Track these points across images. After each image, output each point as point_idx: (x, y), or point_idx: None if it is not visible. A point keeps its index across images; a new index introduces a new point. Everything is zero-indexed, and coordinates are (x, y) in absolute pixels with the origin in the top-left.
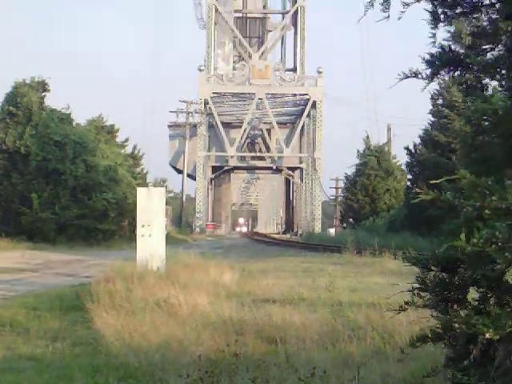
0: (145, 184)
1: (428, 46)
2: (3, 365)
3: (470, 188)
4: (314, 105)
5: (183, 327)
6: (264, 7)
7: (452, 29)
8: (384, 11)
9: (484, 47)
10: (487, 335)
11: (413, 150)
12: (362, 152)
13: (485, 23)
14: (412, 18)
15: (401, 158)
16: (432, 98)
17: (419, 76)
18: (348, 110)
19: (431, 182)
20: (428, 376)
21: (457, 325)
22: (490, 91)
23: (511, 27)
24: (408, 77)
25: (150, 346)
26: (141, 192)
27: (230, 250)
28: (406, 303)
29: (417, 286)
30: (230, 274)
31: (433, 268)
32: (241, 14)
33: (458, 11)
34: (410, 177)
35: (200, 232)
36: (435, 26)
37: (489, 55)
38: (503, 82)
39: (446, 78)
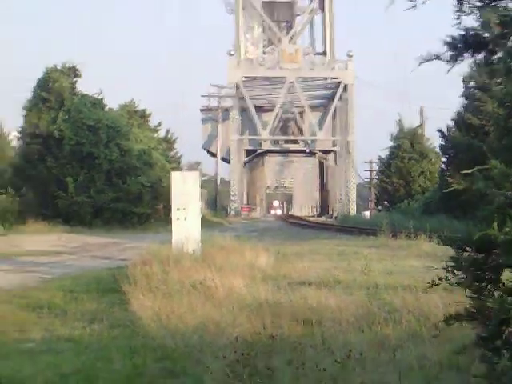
0: (179, 168)
1: (453, 28)
2: (42, 346)
3: (501, 178)
4: (345, 88)
5: (220, 309)
6: None
7: (478, 16)
8: (411, 0)
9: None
10: None
11: (446, 133)
12: (395, 135)
13: None
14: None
15: (434, 141)
16: (464, 80)
17: (441, 58)
18: (380, 93)
19: (463, 172)
20: (459, 353)
21: (490, 305)
22: None
23: None
24: (428, 60)
25: (186, 328)
26: (175, 176)
27: (265, 233)
28: (440, 279)
29: (451, 264)
30: (266, 257)
31: (467, 249)
32: None
33: None
34: (444, 159)
35: (235, 215)
36: (460, 9)
37: None
38: None
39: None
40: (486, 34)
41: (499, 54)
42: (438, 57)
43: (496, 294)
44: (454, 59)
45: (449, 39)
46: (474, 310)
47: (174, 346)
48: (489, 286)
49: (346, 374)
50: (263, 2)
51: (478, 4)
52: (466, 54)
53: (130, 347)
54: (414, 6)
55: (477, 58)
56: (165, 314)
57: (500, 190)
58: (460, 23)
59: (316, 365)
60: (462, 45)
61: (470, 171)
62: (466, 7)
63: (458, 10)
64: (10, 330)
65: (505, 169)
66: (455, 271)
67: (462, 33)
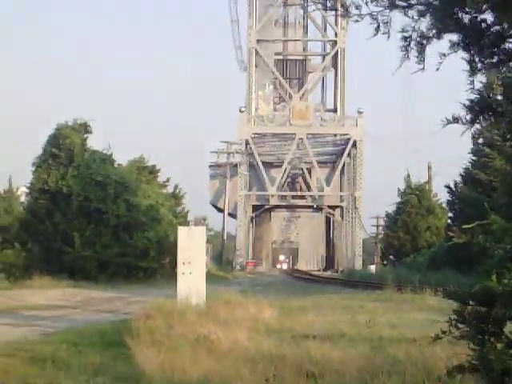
0: (186, 223)
1: (467, 92)
2: None
3: (501, 232)
4: (354, 144)
5: (223, 362)
6: (304, 49)
7: (484, 79)
8: (419, 63)
9: None
10: None
11: (453, 188)
12: (402, 191)
13: None
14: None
15: (442, 196)
16: (473, 136)
17: (460, 122)
18: (388, 149)
19: (463, 226)
20: None
21: (492, 357)
22: None
23: None
24: (450, 122)
25: (190, 381)
26: (182, 231)
27: (270, 288)
28: (443, 332)
29: (455, 317)
30: (270, 311)
31: (470, 303)
32: (281, 57)
33: (494, 60)
34: (450, 214)
35: (240, 269)
36: (473, 74)
37: None
38: None
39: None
40: (499, 97)
41: None
42: (457, 120)
43: (499, 346)
44: (472, 122)
45: (468, 103)
46: (476, 362)
47: None
48: (492, 339)
49: None
50: (276, 59)
51: (486, 67)
52: (481, 117)
53: None
54: (423, 69)
55: (490, 120)
56: (169, 368)
57: (500, 244)
58: (473, 89)
59: None
60: (478, 108)
61: (470, 225)
62: (476, 71)
63: (470, 73)
64: (13, 383)
65: (504, 223)
66: (458, 324)
67: (478, 96)
